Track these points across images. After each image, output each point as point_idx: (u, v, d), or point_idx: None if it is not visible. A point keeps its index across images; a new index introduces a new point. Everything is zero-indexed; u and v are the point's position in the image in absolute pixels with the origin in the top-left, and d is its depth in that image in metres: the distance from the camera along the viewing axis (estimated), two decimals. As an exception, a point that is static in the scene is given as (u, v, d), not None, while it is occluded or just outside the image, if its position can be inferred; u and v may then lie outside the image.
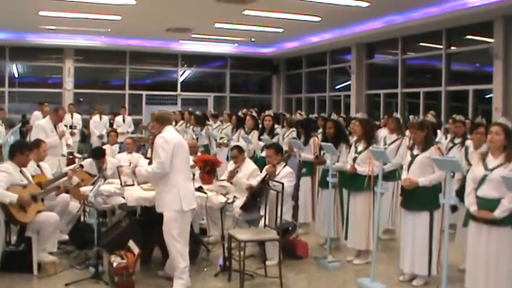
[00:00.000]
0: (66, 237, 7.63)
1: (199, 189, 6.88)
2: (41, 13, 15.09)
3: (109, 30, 18.25)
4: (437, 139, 8.54)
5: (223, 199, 7.00)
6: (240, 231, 6.65)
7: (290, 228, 7.33)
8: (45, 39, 19.77)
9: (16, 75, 21.73)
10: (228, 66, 24.04)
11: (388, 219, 8.56)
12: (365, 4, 13.62)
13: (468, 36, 15.35)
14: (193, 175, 7.49)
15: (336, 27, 17.12)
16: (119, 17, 15.75)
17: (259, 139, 10.26)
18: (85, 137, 17.06)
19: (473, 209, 5.43)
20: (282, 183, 6.41)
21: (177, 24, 17.26)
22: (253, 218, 7.15)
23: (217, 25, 16.91)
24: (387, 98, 18.06)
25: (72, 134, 16.25)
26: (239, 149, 8.37)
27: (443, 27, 15.11)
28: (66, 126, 16.42)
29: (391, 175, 8.23)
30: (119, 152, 10.69)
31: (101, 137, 15.59)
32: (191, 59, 23.52)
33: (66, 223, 7.66)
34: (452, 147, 8.90)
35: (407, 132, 8.33)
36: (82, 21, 16.25)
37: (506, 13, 13.03)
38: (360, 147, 7.30)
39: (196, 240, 7.32)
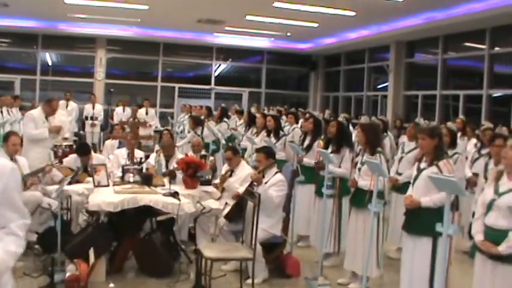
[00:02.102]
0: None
1: (174, 194, 6.08)
2: (67, 1, 14.67)
3: (139, 20, 17.72)
4: (457, 149, 7.50)
5: (198, 207, 6.19)
6: (209, 247, 5.84)
7: (279, 243, 6.47)
8: (76, 28, 19.34)
9: (49, 64, 21.36)
10: (265, 61, 23.21)
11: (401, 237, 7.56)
12: (401, -2, 12.65)
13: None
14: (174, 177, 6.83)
15: (372, 23, 16.19)
16: (145, 7, 15.21)
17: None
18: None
19: (478, 238, 4.48)
20: (258, 194, 5.54)
21: (207, 16, 16.66)
22: (239, 229, 6.35)
23: (248, 17, 16.24)
24: (426, 99, 16.94)
25: (92, 125, 15.92)
26: (233, 150, 7.49)
27: (488, 26, 13.95)
28: (86, 117, 16.19)
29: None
30: (118, 147, 9.93)
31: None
32: (227, 52, 22.76)
33: (39, 223, 7.00)
34: (477, 158, 7.93)
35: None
36: (110, 10, 15.75)
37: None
38: (365, 158, 6.35)
39: (175, 251, 6.55)
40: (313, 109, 20.44)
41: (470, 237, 5.22)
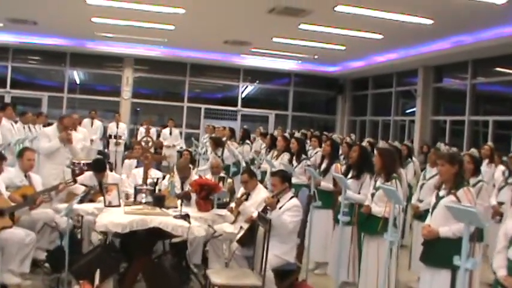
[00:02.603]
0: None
1: (185, 217, 5.89)
2: (94, 19, 14.74)
3: (166, 40, 17.74)
4: (483, 177, 7.20)
5: (209, 231, 5.99)
6: (218, 272, 5.65)
7: (292, 271, 6.23)
8: (104, 46, 19.47)
9: (77, 82, 21.48)
10: (292, 83, 23.03)
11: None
12: (429, 22, 12.42)
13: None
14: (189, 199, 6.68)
15: (400, 47, 15.99)
16: (171, 27, 15.19)
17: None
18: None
19: (501, 273, 4.20)
20: (270, 220, 5.33)
21: (234, 37, 16.67)
22: (252, 255, 6.13)
23: (275, 39, 16.15)
24: (454, 125, 16.61)
25: (116, 144, 15.87)
26: (250, 173, 7.26)
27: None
28: (110, 136, 16.17)
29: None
30: (136, 167, 9.79)
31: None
32: (254, 74, 22.68)
33: (49, 241, 6.92)
34: (503, 186, 7.64)
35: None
36: (137, 29, 15.77)
37: None
38: (379, 183, 6.13)
39: (185, 275, 6.37)
40: (340, 133, 20.22)
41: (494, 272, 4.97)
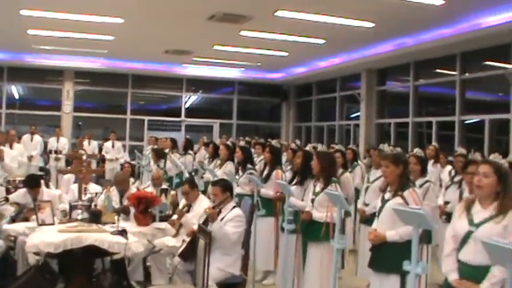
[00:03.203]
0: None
1: (122, 233, 5.60)
2: (30, 32, 14.27)
3: (106, 51, 17.27)
4: (429, 177, 7.07)
5: (148, 246, 5.71)
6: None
7: (238, 283, 5.99)
8: (43, 60, 18.84)
9: (16, 97, 20.84)
10: (236, 91, 22.85)
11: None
12: (370, 25, 12.35)
13: (485, 62, 13.86)
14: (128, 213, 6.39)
15: (343, 51, 15.91)
16: (111, 37, 14.81)
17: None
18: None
19: (452, 277, 3.98)
20: (210, 232, 5.08)
21: (174, 46, 16.35)
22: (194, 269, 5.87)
23: (216, 47, 15.89)
24: (399, 127, 16.65)
25: (56, 159, 15.41)
26: (191, 183, 6.96)
27: (458, 51, 13.73)
28: (51, 151, 15.69)
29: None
30: (74, 182, 9.41)
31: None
32: (197, 83, 22.42)
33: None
34: (450, 186, 7.56)
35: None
36: (75, 41, 15.31)
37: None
38: (318, 188, 5.96)
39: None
40: (286, 139, 20.11)
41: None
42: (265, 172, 7.97)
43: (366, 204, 7.31)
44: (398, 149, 5.23)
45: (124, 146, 18.71)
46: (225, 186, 6.20)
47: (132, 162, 14.18)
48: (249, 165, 8.87)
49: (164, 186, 8.86)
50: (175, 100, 22.52)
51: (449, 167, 9.45)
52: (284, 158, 10.13)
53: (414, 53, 14.17)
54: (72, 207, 6.50)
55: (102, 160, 16.04)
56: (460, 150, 8.65)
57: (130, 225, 6.11)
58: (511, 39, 11.84)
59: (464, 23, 11.85)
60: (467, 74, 14.02)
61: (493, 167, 3.97)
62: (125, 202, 7.05)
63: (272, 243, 7.47)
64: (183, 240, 6.38)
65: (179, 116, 22.16)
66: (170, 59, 18.30)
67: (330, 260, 5.49)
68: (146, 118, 21.73)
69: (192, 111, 22.43)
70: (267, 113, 24.31)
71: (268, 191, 7.58)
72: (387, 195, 4.95)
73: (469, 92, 14.30)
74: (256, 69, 20.29)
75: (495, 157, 4.12)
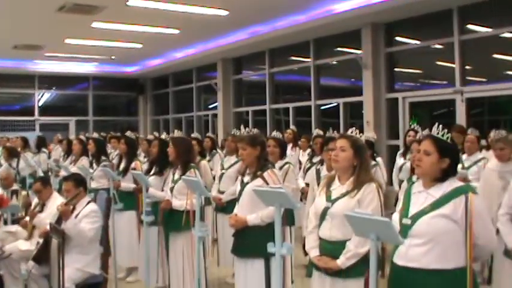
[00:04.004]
0: None
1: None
2: None
3: None
4: (287, 159, 7.05)
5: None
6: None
7: (99, 283, 5.69)
8: None
9: None
10: (91, 87, 22.24)
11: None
12: (224, 13, 12.26)
13: (337, 48, 14.17)
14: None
15: (198, 41, 15.77)
16: (-49, 31, 13.73)
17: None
18: None
19: (313, 254, 3.96)
20: (62, 230, 4.76)
21: (24, 41, 15.47)
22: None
23: (68, 41, 15.27)
24: (257, 115, 16.78)
25: None
26: (43, 181, 6.49)
27: (311, 38, 13.99)
28: None
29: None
30: None
31: None
32: (50, 80, 21.53)
33: None
34: (310, 167, 7.60)
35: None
36: None
37: (374, 20, 11.96)
38: (177, 175, 5.79)
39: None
40: (144, 133, 19.77)
41: (306, 253, 4.75)
42: (122, 165, 7.67)
43: (221, 192, 7.18)
44: (255, 130, 5.09)
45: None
46: (77, 180, 5.84)
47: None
48: (103, 158, 8.55)
49: (15, 187, 8.33)
50: (29, 99, 21.51)
51: (309, 150, 9.55)
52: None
53: (269, 40, 14.27)
54: None
55: None
56: (317, 131, 8.75)
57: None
58: (361, 24, 12.20)
59: (318, 9, 12.05)
60: (320, 60, 14.28)
61: (349, 141, 3.97)
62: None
63: (135, 238, 7.19)
64: (38, 243, 5.97)
65: (32, 114, 21.18)
66: (20, 54, 17.39)
67: (193, 249, 5.30)
68: (-5, 119, 20.57)
69: (46, 110, 21.60)
70: (124, 108, 23.97)
71: (129, 184, 7.32)
72: (246, 179, 4.84)
73: (323, 79, 14.62)
74: (110, 63, 19.83)
75: (352, 131, 4.09)
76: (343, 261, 3.74)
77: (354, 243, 3.69)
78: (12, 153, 11.13)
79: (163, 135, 7.24)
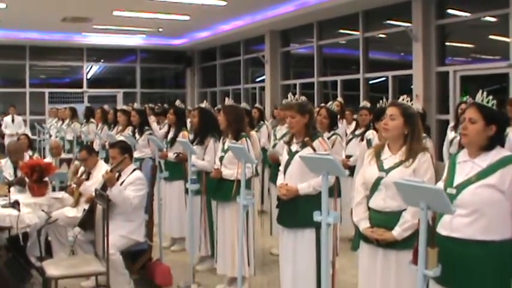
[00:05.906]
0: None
1: (14, 205, 5.18)
2: None
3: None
4: (338, 131, 6.95)
5: (43, 217, 5.30)
6: (55, 263, 5.00)
7: (144, 251, 5.69)
8: None
9: None
10: (138, 59, 22.40)
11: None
12: (272, -16, 12.14)
13: (387, 21, 13.82)
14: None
15: (245, 13, 15.68)
16: (3, 5, 13.91)
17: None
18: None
19: (364, 226, 3.81)
20: (107, 196, 4.74)
21: (72, 13, 15.55)
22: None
23: (116, 13, 15.27)
24: (304, 89, 16.58)
25: None
26: (88, 149, 6.53)
27: (360, 10, 13.73)
28: None
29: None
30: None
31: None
32: (98, 53, 21.78)
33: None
34: (351, 139, 7.50)
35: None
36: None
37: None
38: (227, 144, 5.65)
39: (24, 271, 5.63)
40: (192, 106, 19.80)
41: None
42: (170, 135, 7.63)
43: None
44: (303, 98, 4.97)
45: (25, 121, 17.93)
46: (123, 147, 5.83)
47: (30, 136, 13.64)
48: (146, 128, 8.57)
49: (70, 155, 8.43)
50: (77, 71, 21.77)
51: (354, 124, 9.44)
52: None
53: (317, 12, 14.05)
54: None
55: (1, 135, 15.58)
56: (365, 103, 8.59)
57: (24, 197, 5.69)
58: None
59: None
60: (369, 33, 14.03)
61: (400, 109, 3.81)
62: (20, 173, 6.59)
63: (184, 208, 7.14)
64: (84, 210, 6.01)
65: (81, 87, 21.42)
66: (69, 27, 17.51)
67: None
68: (47, 91, 20.95)
69: (94, 82, 21.91)
70: (171, 80, 24.10)
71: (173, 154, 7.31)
72: (294, 147, 4.72)
73: (372, 52, 14.36)
74: (158, 36, 19.83)
75: (403, 99, 3.93)
76: (399, 232, 3.61)
77: (411, 213, 3.55)
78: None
79: (204, 104, 7.11)
